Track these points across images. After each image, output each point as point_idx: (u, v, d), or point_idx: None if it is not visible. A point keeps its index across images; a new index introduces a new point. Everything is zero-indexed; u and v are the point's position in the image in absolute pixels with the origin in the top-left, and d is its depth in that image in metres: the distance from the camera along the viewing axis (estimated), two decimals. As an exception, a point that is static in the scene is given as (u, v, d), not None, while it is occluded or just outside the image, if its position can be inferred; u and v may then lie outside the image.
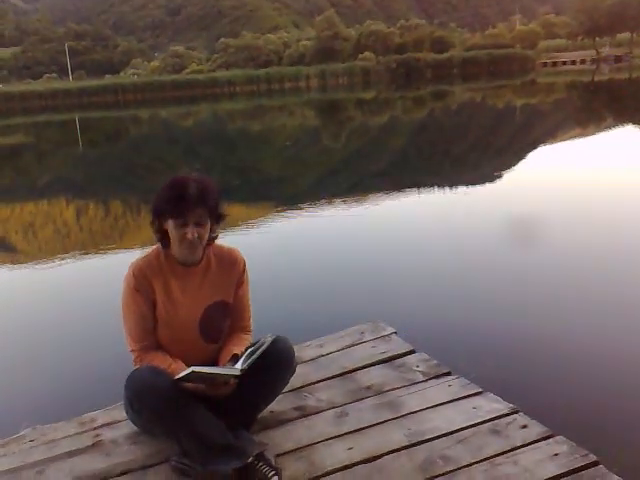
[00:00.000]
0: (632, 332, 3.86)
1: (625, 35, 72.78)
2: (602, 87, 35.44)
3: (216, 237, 2.48)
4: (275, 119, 31.58)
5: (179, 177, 2.31)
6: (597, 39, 71.73)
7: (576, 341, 3.82)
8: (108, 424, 2.65)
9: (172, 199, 2.25)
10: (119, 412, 2.63)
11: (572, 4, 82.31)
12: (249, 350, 2.30)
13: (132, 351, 2.41)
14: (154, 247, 2.44)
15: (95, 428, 2.63)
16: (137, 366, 2.35)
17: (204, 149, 20.20)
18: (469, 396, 2.61)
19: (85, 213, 10.82)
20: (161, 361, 2.34)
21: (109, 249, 7.63)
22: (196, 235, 2.28)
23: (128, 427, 2.56)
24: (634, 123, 16.59)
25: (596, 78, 43.29)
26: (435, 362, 2.93)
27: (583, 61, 67.46)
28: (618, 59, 65.27)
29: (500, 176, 10.88)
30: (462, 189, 9.64)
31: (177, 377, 2.18)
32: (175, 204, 2.24)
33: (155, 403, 2.18)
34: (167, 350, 2.41)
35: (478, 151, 15.10)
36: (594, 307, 4.32)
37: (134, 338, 2.40)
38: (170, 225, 2.29)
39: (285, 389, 2.59)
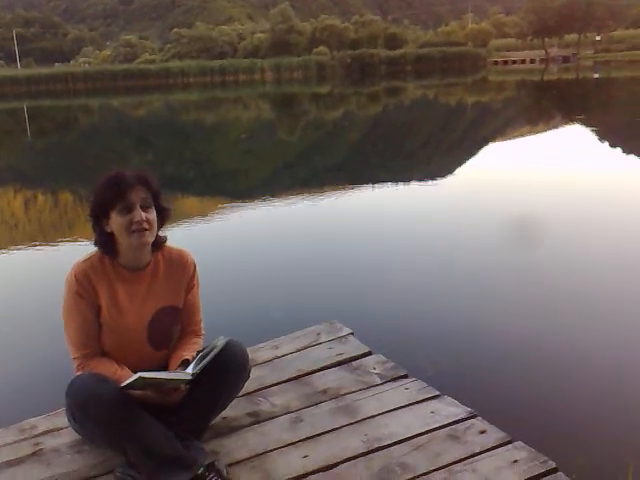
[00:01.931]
0: (592, 335, 3.89)
1: (573, 36, 74.90)
2: (551, 86, 36.32)
3: (164, 241, 2.36)
4: (229, 111, 31.29)
5: (114, 171, 2.20)
6: (546, 39, 73.55)
7: (536, 344, 3.82)
8: (50, 431, 2.50)
9: (110, 185, 2.14)
10: (62, 419, 2.48)
11: (522, 4, 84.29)
12: (200, 354, 2.20)
13: (74, 359, 2.25)
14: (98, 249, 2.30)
15: (35, 436, 2.49)
16: (79, 373, 2.22)
17: (157, 140, 19.83)
18: (426, 400, 2.57)
19: (34, 204, 10.45)
20: (106, 368, 2.20)
21: (58, 241, 7.35)
22: (144, 217, 2.15)
23: (71, 435, 2.42)
24: (581, 121, 17.02)
25: (545, 77, 44.41)
26: (392, 364, 2.88)
27: (532, 60, 69.11)
28: (566, 59, 67.19)
29: (454, 172, 11.00)
30: (418, 185, 9.69)
31: (123, 385, 2.06)
32: (114, 188, 2.12)
33: (99, 413, 2.05)
34: (112, 357, 2.27)
35: (431, 147, 15.26)
36: (555, 310, 4.33)
37: (76, 345, 2.24)
38: (114, 218, 2.15)
39: (239, 393, 2.50)
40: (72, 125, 27.96)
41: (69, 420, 2.28)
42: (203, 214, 8.12)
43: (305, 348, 3.13)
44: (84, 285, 2.20)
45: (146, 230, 2.17)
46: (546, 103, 25.89)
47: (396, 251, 5.88)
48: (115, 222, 2.16)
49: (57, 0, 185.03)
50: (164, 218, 2.30)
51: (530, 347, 3.77)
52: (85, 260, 2.25)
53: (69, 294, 2.23)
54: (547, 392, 3.19)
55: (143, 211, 2.16)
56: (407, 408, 2.52)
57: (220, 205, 8.87)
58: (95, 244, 2.26)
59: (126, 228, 2.15)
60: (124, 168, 2.23)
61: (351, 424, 2.43)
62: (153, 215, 2.21)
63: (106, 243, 2.23)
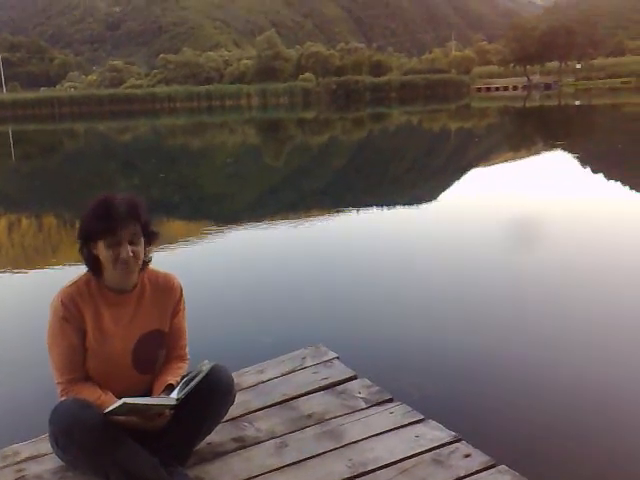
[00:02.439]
0: (578, 359, 3.90)
1: (554, 64, 76.36)
2: (533, 113, 36.91)
3: (149, 261, 2.36)
4: (215, 136, 31.40)
5: (104, 195, 2.19)
6: (528, 67, 74.94)
7: (521, 368, 3.84)
8: (33, 457, 2.47)
9: (101, 218, 2.12)
10: (45, 445, 2.44)
11: (504, 32, 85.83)
12: (185, 379, 2.20)
13: (58, 384, 2.24)
14: (84, 273, 2.30)
15: (18, 462, 2.45)
16: (63, 399, 2.20)
17: (142, 164, 19.82)
18: (411, 424, 2.57)
19: (18, 227, 10.37)
20: (90, 393, 2.19)
21: (42, 266, 7.30)
22: (131, 253, 2.16)
23: (54, 461, 2.38)
24: (563, 148, 17.27)
25: (527, 104, 45.15)
26: (377, 388, 2.88)
27: (515, 87, 70.27)
28: (548, 86, 68.38)
29: (439, 197, 11.09)
30: (403, 209, 9.76)
31: (107, 410, 2.05)
32: (105, 222, 2.11)
33: (82, 439, 2.04)
34: (97, 382, 2.26)
35: (416, 172, 15.38)
36: (540, 334, 4.34)
37: (61, 370, 2.23)
38: (101, 248, 2.16)
39: (224, 418, 2.49)
40: (57, 149, 27.89)
41: (52, 446, 2.26)
42: (189, 238, 8.10)
43: (290, 372, 3.13)
44: (70, 310, 2.20)
45: (130, 264, 2.19)
46: (529, 129, 26.28)
47: (381, 275, 5.90)
48: (101, 252, 2.17)
49: (44, 25, 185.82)
50: (151, 241, 2.31)
51: (515, 371, 3.79)
52: (71, 285, 2.25)
53: (55, 319, 2.22)
54: (531, 416, 3.20)
55: (131, 245, 2.17)
56: (392, 432, 2.52)
57: (206, 229, 8.86)
58: (85, 261, 2.26)
59: (112, 261, 2.16)
60: (113, 192, 2.21)
61: (336, 449, 2.43)
62: (141, 247, 2.22)
63: (93, 265, 2.24)
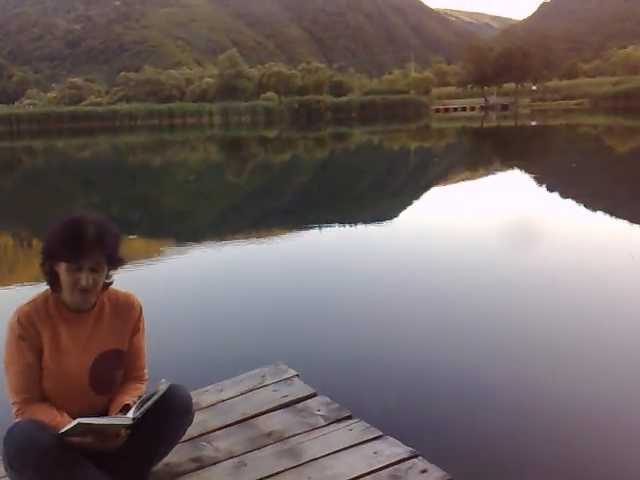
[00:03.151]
0: (537, 374, 3.96)
1: (511, 85, 78.29)
2: (490, 133, 37.75)
3: (111, 283, 2.35)
4: (177, 153, 31.24)
5: (75, 217, 2.17)
6: (485, 88, 76.62)
7: (478, 381, 3.90)
8: (-16, 482, 2.41)
9: (67, 242, 2.10)
10: (-3, 468, 2.39)
11: (462, 54, 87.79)
12: (141, 398, 2.17)
13: (14, 404, 2.20)
14: (42, 291, 2.27)
15: (-32, 487, 2.39)
16: (18, 420, 2.16)
17: (102, 181, 19.58)
18: (369, 440, 2.59)
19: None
20: (45, 414, 2.15)
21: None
22: (91, 282, 2.14)
23: (7, 486, 2.33)
24: (519, 167, 17.70)
25: (485, 124, 46.13)
26: (336, 405, 2.90)
27: (473, 108, 71.74)
28: (504, 107, 70.08)
29: (399, 214, 11.24)
30: (363, 227, 9.84)
31: (62, 431, 2.02)
32: (70, 248, 2.10)
33: (37, 461, 1.99)
34: (53, 402, 2.22)
35: (377, 190, 15.55)
36: (499, 347, 4.42)
37: (16, 390, 2.19)
38: (62, 268, 2.14)
39: (182, 439, 2.46)
40: (15, 166, 27.36)
41: (6, 469, 2.19)
42: (148, 256, 8.01)
43: (250, 391, 3.12)
44: (27, 329, 2.17)
45: (89, 292, 2.17)
46: (486, 149, 26.86)
47: (341, 292, 5.94)
48: (62, 274, 2.16)
49: (2, 42, 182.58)
50: (116, 267, 2.29)
51: (471, 385, 3.84)
52: (29, 303, 2.22)
53: (11, 338, 2.19)
54: (488, 430, 3.25)
55: (92, 273, 2.15)
56: (351, 449, 2.54)
57: (166, 247, 8.79)
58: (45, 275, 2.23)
59: (71, 285, 2.15)
60: (86, 214, 2.19)
61: (295, 467, 2.43)
62: (102, 276, 2.20)
63: (52, 282, 2.22)
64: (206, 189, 16.63)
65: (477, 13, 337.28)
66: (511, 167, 18.25)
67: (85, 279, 2.13)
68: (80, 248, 2.10)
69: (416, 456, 2.46)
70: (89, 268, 2.13)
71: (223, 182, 18.32)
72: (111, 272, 2.29)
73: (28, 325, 2.17)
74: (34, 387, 2.21)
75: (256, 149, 33.24)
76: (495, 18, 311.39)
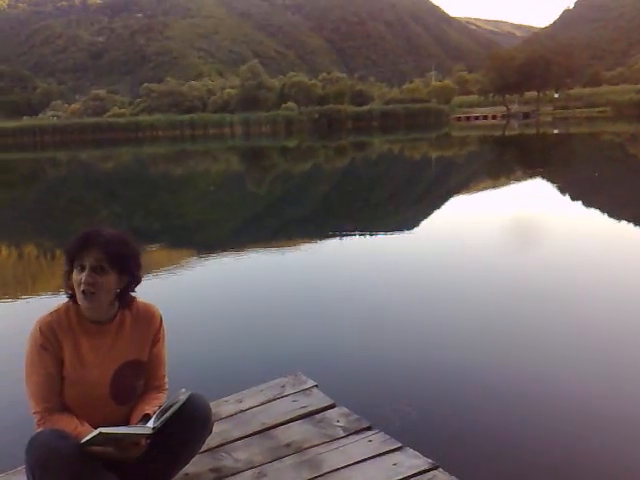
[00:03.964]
0: (559, 384, 3.92)
1: (533, 93, 77.79)
2: (512, 141, 37.49)
3: (132, 299, 2.36)
4: (198, 164, 31.50)
5: (96, 227, 2.25)
6: (507, 96, 76.22)
7: (499, 393, 3.85)
8: (8, 491, 2.44)
9: (75, 242, 2.18)
10: (21, 477, 2.40)
11: (484, 62, 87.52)
12: (161, 408, 2.19)
13: (35, 413, 2.22)
14: (64, 302, 2.30)
15: (-7, 496, 2.43)
16: (40, 429, 2.18)
17: (125, 192, 19.79)
18: (389, 452, 2.58)
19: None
20: (67, 424, 2.17)
21: (21, 295, 7.22)
22: (90, 280, 2.15)
23: (29, 495, 2.35)
24: (542, 175, 17.54)
25: (506, 133, 45.85)
26: (356, 417, 2.89)
27: (494, 116, 71.46)
28: (526, 115, 69.68)
29: (420, 223, 11.19)
30: (384, 236, 9.81)
31: (83, 441, 2.03)
32: (74, 245, 2.17)
33: (58, 470, 2.01)
34: (74, 412, 2.24)
35: (398, 199, 15.50)
36: (521, 359, 4.37)
37: (37, 399, 2.22)
38: (74, 273, 2.19)
39: (201, 449, 2.47)
40: (39, 178, 27.78)
41: (28, 478, 2.22)
42: (170, 266, 8.07)
43: (269, 401, 3.12)
44: (49, 338, 2.20)
45: (92, 293, 2.18)
46: (508, 157, 26.67)
47: (362, 302, 5.91)
48: (72, 277, 2.21)
49: (27, 54, 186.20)
50: (132, 284, 2.31)
51: (493, 397, 3.80)
52: (51, 313, 2.25)
53: (33, 347, 2.21)
54: (508, 442, 3.21)
55: (94, 273, 2.17)
56: (370, 461, 2.52)
57: (187, 257, 8.85)
58: (65, 287, 2.28)
59: (77, 286, 2.19)
60: (103, 226, 2.26)
61: (314, 478, 2.43)
62: (105, 279, 2.20)
63: (73, 292, 2.25)
64: (227, 199, 16.74)
65: (499, 21, 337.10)
66: (532, 176, 18.08)
67: (84, 276, 2.16)
68: (83, 244, 2.16)
69: (436, 467, 2.44)
70: (90, 267, 2.16)
71: (244, 192, 18.41)
72: (125, 282, 2.28)
73: (50, 335, 2.20)
74: (55, 397, 2.23)
75: (277, 159, 33.39)
76: (517, 26, 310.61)
